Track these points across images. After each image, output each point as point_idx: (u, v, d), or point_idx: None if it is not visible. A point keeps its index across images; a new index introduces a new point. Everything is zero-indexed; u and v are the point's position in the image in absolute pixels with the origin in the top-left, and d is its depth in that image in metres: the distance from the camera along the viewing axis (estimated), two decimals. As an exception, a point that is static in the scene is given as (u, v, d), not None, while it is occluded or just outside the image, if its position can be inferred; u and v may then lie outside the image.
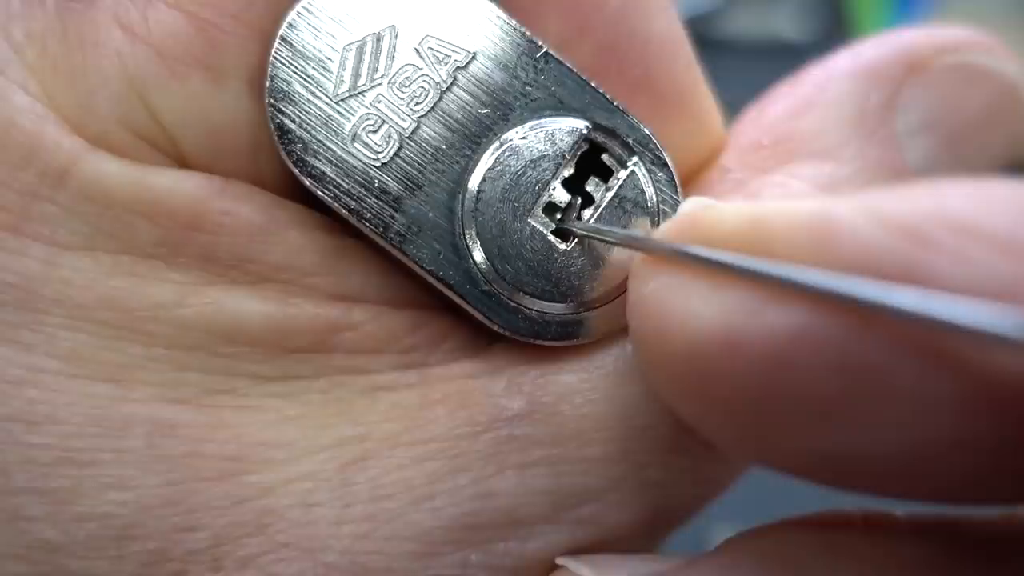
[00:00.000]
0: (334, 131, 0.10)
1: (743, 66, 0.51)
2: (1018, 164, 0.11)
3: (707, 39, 0.50)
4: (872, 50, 0.11)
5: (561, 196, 0.10)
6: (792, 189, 0.10)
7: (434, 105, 0.10)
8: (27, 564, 0.09)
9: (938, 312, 0.06)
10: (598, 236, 0.10)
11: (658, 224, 0.10)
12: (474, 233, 0.10)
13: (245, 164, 0.10)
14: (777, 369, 0.07)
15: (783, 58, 0.54)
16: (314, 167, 0.10)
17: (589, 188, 0.10)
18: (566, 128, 0.10)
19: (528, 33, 0.10)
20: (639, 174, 0.10)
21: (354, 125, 0.10)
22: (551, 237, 0.10)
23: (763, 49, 0.50)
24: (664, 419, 0.10)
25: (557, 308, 0.10)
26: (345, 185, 0.10)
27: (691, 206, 0.09)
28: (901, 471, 0.07)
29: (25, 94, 0.09)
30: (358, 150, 0.10)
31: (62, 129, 0.10)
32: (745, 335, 0.07)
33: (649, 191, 0.10)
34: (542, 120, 0.10)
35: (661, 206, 0.10)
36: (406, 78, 0.10)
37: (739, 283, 0.07)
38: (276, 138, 0.10)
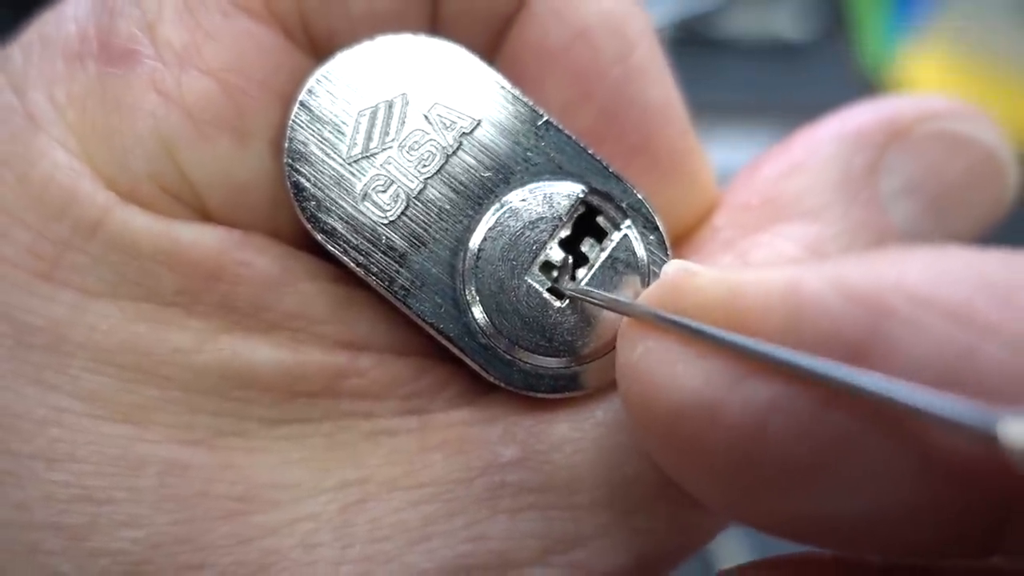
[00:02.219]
0: (346, 190, 0.10)
1: (743, 66, 0.52)
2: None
3: (707, 39, 0.49)
4: (857, 117, 0.11)
5: (557, 256, 0.10)
6: (779, 249, 0.11)
7: (440, 168, 0.10)
8: None
9: (898, 395, 0.06)
10: (587, 298, 0.10)
11: (648, 284, 0.10)
12: (474, 289, 0.10)
13: (264, 218, 0.11)
14: (753, 436, 0.08)
15: (783, 58, 0.52)
16: (326, 223, 0.10)
17: (584, 248, 0.11)
18: (564, 192, 0.10)
19: (531, 102, 0.11)
20: (632, 236, 0.11)
21: (365, 185, 0.10)
22: (546, 295, 0.10)
23: (763, 49, 0.49)
24: (651, 469, 0.10)
25: (550, 362, 0.10)
26: (354, 241, 0.10)
27: (673, 270, 0.09)
28: (871, 530, 0.08)
29: (64, 151, 0.10)
30: (368, 208, 0.10)
31: (96, 184, 0.10)
32: (724, 404, 0.08)
33: (641, 252, 0.10)
34: (541, 183, 0.10)
35: (652, 267, 0.11)
36: (415, 142, 0.10)
37: (719, 352, 0.08)
38: (292, 195, 0.10)
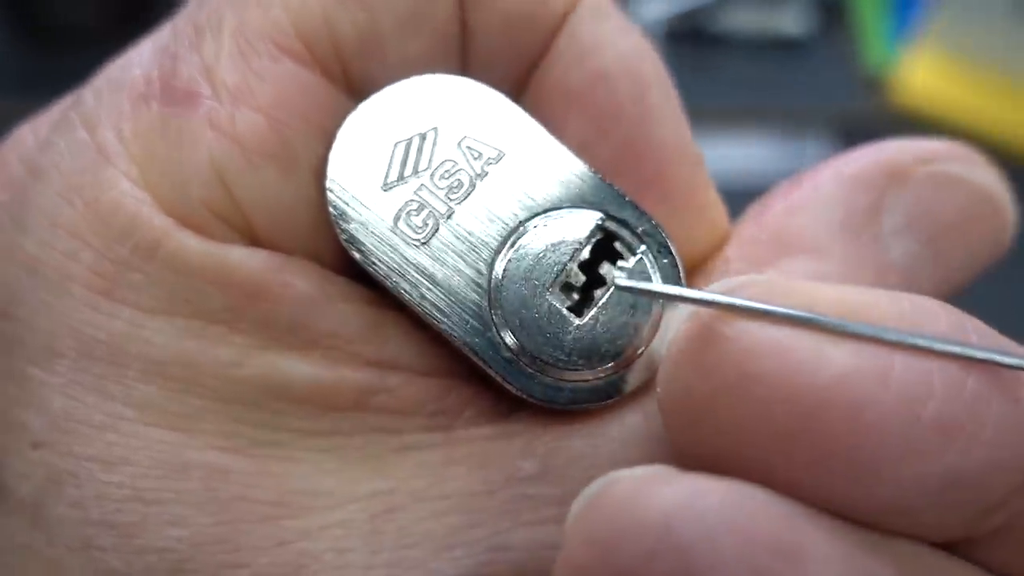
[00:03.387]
0: (381, 214, 0.11)
1: (742, 61, 0.50)
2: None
3: (706, 33, 0.49)
4: (860, 159, 0.12)
5: (577, 277, 0.11)
6: None
7: (469, 194, 0.11)
8: None
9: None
10: (644, 289, 0.11)
11: (661, 305, 0.11)
12: (498, 307, 0.11)
13: (305, 242, 0.11)
14: (906, 419, 0.08)
15: (782, 53, 0.49)
16: (363, 244, 0.11)
17: (602, 271, 0.11)
18: (583, 218, 0.11)
19: (553, 137, 0.11)
20: (647, 261, 0.11)
21: (399, 209, 0.11)
22: (566, 312, 0.11)
23: (762, 44, 0.49)
24: None
25: (569, 376, 0.11)
26: (388, 260, 0.11)
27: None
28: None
29: (128, 181, 0.11)
30: (401, 231, 0.11)
31: (156, 210, 0.11)
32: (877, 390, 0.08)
33: (655, 276, 0.11)
34: (562, 211, 0.11)
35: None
36: (446, 171, 0.11)
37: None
38: (332, 219, 0.11)
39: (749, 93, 0.48)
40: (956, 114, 0.46)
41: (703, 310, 0.09)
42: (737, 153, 0.46)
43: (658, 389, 0.10)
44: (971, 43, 0.46)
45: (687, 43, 0.49)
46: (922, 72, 0.48)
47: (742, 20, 0.50)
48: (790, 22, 0.50)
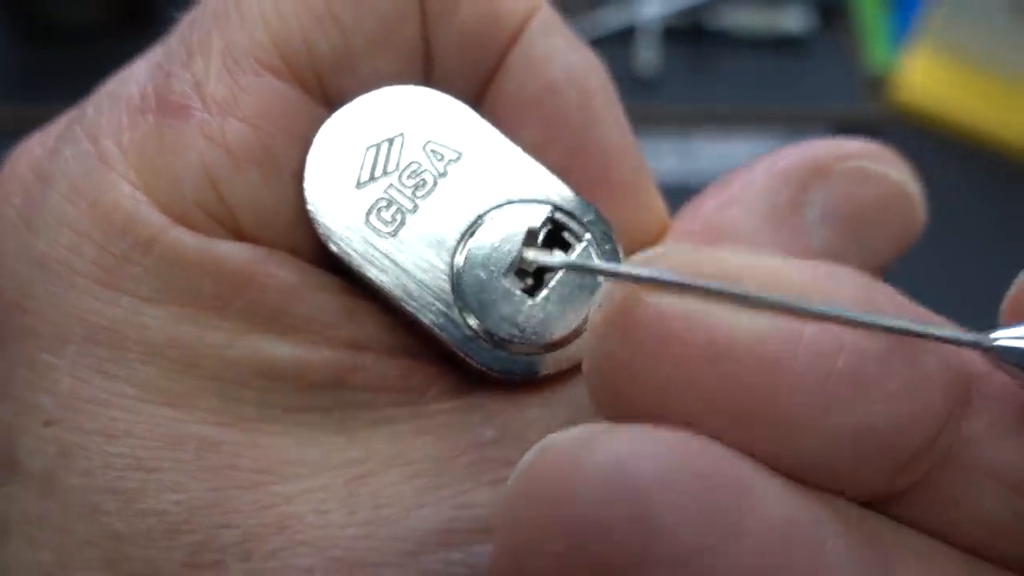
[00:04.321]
0: (354, 210, 0.12)
1: (741, 57, 0.49)
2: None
3: (705, 30, 0.49)
4: (785, 157, 0.13)
5: (529, 263, 0.12)
6: None
7: (432, 191, 0.12)
8: (99, 550, 0.11)
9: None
10: (587, 267, 0.12)
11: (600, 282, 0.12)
12: (460, 291, 0.12)
13: (286, 237, 0.12)
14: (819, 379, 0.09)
15: (782, 52, 0.49)
16: (337, 237, 0.12)
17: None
18: (534, 210, 0.12)
19: (507, 138, 0.12)
20: (591, 249, 0.12)
21: (370, 206, 0.12)
22: (520, 294, 0.12)
23: (762, 43, 0.49)
24: None
25: (523, 350, 0.12)
26: (361, 251, 0.12)
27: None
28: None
29: (127, 184, 0.12)
30: (372, 225, 0.12)
31: (153, 209, 0.12)
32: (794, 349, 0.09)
33: (599, 262, 0.12)
34: (515, 204, 0.12)
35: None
36: (412, 171, 0.12)
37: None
38: (310, 216, 0.12)
39: (748, 91, 0.48)
40: (956, 114, 0.46)
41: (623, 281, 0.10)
42: (736, 151, 0.46)
43: (583, 358, 0.10)
44: (971, 43, 0.46)
45: (686, 40, 0.49)
46: (922, 71, 0.47)
47: (742, 18, 0.50)
48: (790, 20, 0.49)
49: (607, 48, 0.51)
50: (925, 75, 0.48)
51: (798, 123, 0.48)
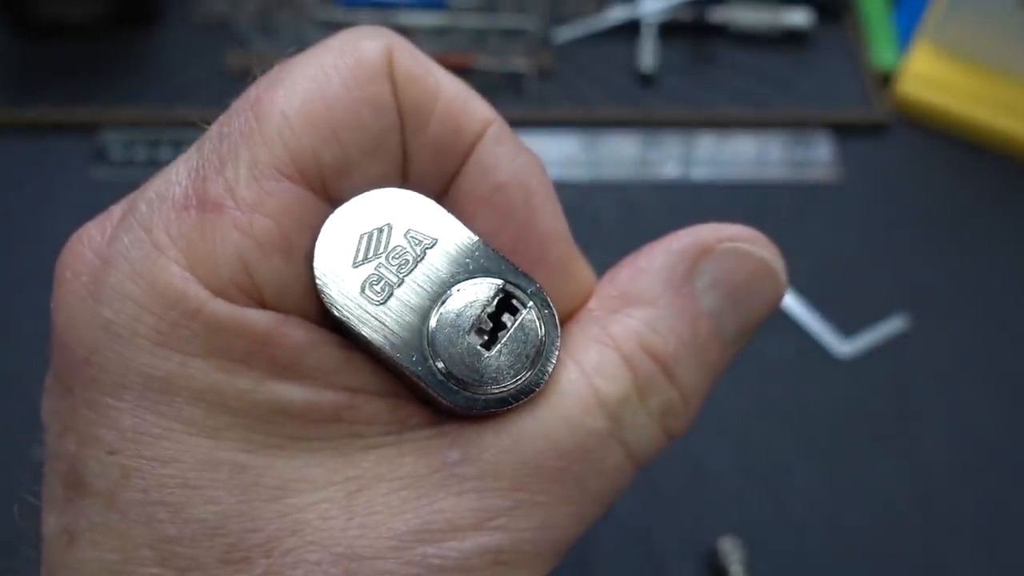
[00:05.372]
0: (351, 284, 0.14)
1: (744, 54, 0.49)
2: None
3: (707, 25, 0.49)
4: (681, 238, 0.16)
5: (486, 324, 0.14)
6: (627, 324, 0.15)
7: (412, 269, 0.14)
8: (153, 551, 0.13)
9: None
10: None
11: (543, 345, 0.15)
12: (433, 345, 0.14)
13: (299, 305, 0.14)
14: None
15: (784, 46, 0.50)
16: (340, 306, 0.14)
17: (503, 319, 0.14)
18: (490, 283, 0.14)
19: (468, 228, 0.15)
20: (534, 312, 0.15)
21: (364, 281, 0.14)
22: (479, 348, 0.14)
23: (764, 38, 0.49)
24: (547, 461, 0.14)
25: (482, 391, 0.14)
26: (357, 315, 0.14)
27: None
28: None
29: (177, 266, 0.13)
30: (366, 295, 0.14)
31: (198, 286, 0.13)
32: None
33: (539, 323, 0.15)
34: (476, 279, 0.14)
35: (548, 331, 0.15)
36: (396, 254, 0.14)
37: None
38: (317, 289, 0.14)
39: (749, 87, 0.48)
40: (962, 112, 0.46)
41: None
42: (736, 148, 0.46)
43: None
44: (977, 41, 0.46)
45: (689, 36, 0.49)
46: (927, 69, 0.47)
47: (745, 15, 0.49)
48: (792, 16, 0.49)
49: (610, 43, 0.51)
50: (930, 73, 0.47)
51: (799, 118, 0.47)
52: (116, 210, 0.15)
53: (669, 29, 0.50)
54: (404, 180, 0.15)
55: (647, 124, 0.48)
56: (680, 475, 0.37)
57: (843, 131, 0.48)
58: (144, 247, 0.14)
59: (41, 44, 0.47)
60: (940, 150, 0.47)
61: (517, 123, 0.18)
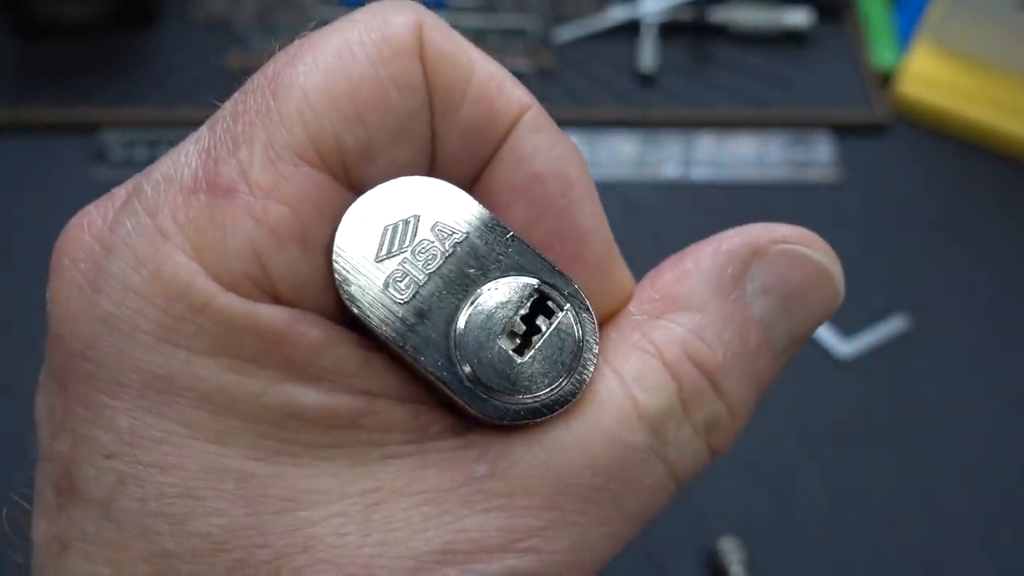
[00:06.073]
0: (374, 280, 0.13)
1: (744, 54, 0.49)
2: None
3: (707, 25, 0.49)
4: (730, 239, 0.15)
5: (519, 327, 0.14)
6: (672, 330, 0.15)
7: (440, 266, 0.14)
8: (151, 566, 0.13)
9: None
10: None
11: (581, 349, 0.14)
12: (462, 350, 0.13)
13: (316, 301, 0.13)
14: None
15: (785, 46, 0.50)
16: (360, 303, 0.13)
17: (538, 322, 0.14)
18: (524, 283, 0.14)
19: (501, 221, 0.14)
20: (571, 315, 0.14)
21: (387, 277, 0.13)
22: (511, 353, 0.14)
23: (765, 37, 0.49)
24: (582, 478, 0.14)
25: (513, 400, 0.14)
26: (380, 315, 0.13)
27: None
28: None
29: (183, 255, 0.13)
30: (389, 293, 0.13)
31: (206, 278, 0.13)
32: None
33: (577, 327, 0.14)
34: (508, 277, 0.14)
35: (584, 337, 0.14)
36: (423, 248, 0.14)
37: None
38: (337, 285, 0.13)
39: (749, 87, 0.48)
40: (963, 111, 0.46)
41: None
42: (736, 148, 0.46)
43: None
44: (977, 39, 0.46)
45: (687, 35, 0.49)
46: (927, 68, 0.47)
47: (745, 14, 0.49)
48: (792, 16, 0.49)
49: (610, 43, 0.51)
50: (930, 73, 0.47)
51: (800, 118, 0.48)
52: (120, 192, 0.14)
53: (669, 29, 0.51)
54: (432, 168, 0.15)
55: (647, 124, 0.48)
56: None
57: (843, 131, 0.48)
58: (148, 234, 0.13)
59: (41, 44, 0.48)
60: (940, 150, 0.48)
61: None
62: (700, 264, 0.15)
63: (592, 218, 0.15)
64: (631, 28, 0.50)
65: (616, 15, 0.50)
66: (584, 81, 0.49)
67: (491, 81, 0.14)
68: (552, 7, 0.51)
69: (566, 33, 0.50)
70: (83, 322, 0.13)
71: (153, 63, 0.48)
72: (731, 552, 0.35)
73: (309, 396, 0.13)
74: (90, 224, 0.14)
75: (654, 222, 0.45)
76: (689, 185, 0.46)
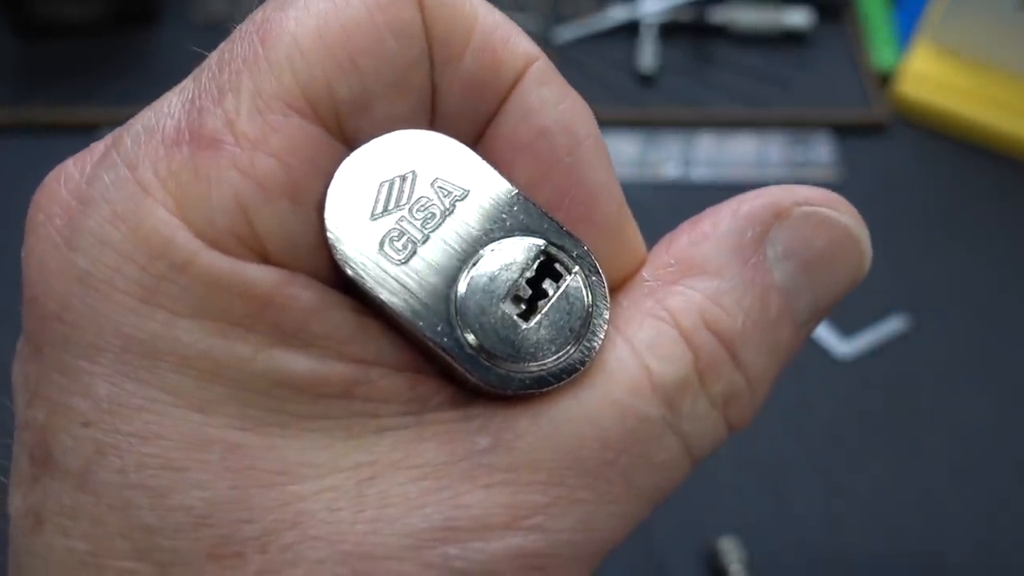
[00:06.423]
0: (369, 240, 0.13)
1: (744, 54, 0.49)
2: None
3: (707, 25, 0.49)
4: (750, 200, 0.14)
5: (524, 291, 0.13)
6: (688, 296, 0.14)
7: (439, 225, 0.13)
8: (130, 541, 0.12)
9: None
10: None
11: (590, 315, 0.13)
12: (463, 314, 0.13)
13: (307, 261, 0.13)
14: None
15: (784, 46, 0.50)
16: (354, 264, 0.13)
17: (544, 286, 0.13)
18: (530, 244, 0.13)
19: (504, 177, 0.13)
20: (580, 279, 0.13)
21: (383, 236, 0.13)
22: (515, 318, 0.13)
23: (764, 38, 0.49)
24: (591, 452, 0.13)
25: (517, 368, 0.13)
26: (375, 276, 0.13)
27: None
28: None
29: (165, 210, 0.12)
30: (385, 253, 0.13)
31: (189, 234, 0.12)
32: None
33: (586, 291, 0.13)
34: (513, 238, 0.13)
35: (594, 301, 0.13)
36: (421, 206, 0.13)
37: None
38: (329, 244, 0.13)
39: (749, 87, 0.48)
40: (962, 112, 0.46)
41: None
42: (736, 148, 0.46)
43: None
44: (977, 39, 0.46)
45: (687, 35, 0.49)
46: (925, 69, 0.47)
47: (745, 15, 0.49)
48: (792, 16, 0.49)
49: (610, 43, 0.51)
50: (930, 73, 0.47)
51: (800, 118, 0.48)
52: (99, 145, 0.13)
53: (669, 29, 0.51)
54: (432, 121, 0.14)
55: (647, 124, 0.48)
56: (681, 475, 0.36)
57: (843, 131, 0.48)
58: (128, 187, 0.12)
59: (40, 44, 0.48)
60: (940, 150, 0.48)
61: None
62: (718, 227, 0.14)
63: (602, 176, 0.14)
64: (631, 28, 0.50)
65: (616, 15, 0.51)
66: (584, 81, 0.49)
67: (496, 31, 0.14)
68: (552, 7, 0.52)
69: (566, 33, 0.50)
70: (58, 281, 0.12)
71: (153, 63, 0.48)
72: (731, 552, 0.34)
73: (299, 363, 0.13)
74: (67, 178, 0.13)
75: (654, 222, 0.45)
76: (689, 185, 0.46)
